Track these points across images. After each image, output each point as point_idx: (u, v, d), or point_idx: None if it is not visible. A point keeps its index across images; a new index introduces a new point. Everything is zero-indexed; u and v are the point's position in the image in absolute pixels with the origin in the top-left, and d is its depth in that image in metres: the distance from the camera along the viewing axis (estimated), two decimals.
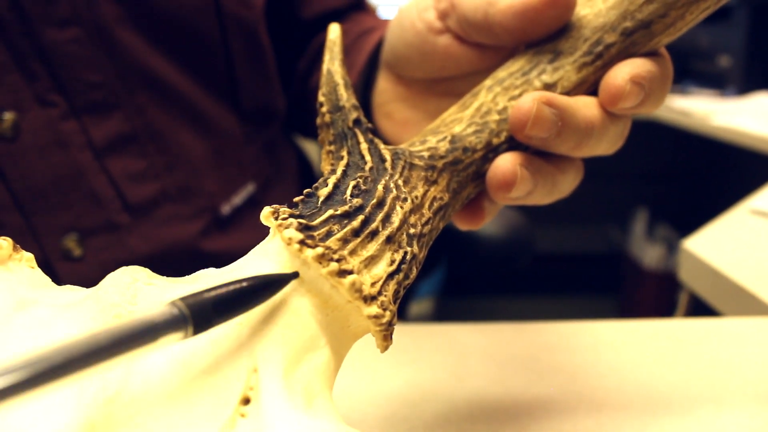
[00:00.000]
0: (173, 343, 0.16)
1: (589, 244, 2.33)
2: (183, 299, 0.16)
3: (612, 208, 2.25)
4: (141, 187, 0.47)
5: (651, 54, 0.30)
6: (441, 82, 0.37)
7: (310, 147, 0.83)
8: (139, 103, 0.46)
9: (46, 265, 0.45)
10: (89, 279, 0.46)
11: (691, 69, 1.89)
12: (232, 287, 0.17)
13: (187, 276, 0.20)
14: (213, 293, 0.17)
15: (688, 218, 1.76)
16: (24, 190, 0.43)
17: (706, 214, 0.92)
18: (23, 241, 0.44)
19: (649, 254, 2.01)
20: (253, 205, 0.54)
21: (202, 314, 0.16)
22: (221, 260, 0.55)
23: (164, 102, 0.48)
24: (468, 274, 2.07)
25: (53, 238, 0.45)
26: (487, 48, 0.34)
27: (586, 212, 2.20)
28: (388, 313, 0.21)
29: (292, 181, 0.61)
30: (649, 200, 2.19)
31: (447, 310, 1.90)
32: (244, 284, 0.18)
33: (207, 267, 0.54)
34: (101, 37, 0.44)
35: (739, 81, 1.71)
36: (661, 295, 1.97)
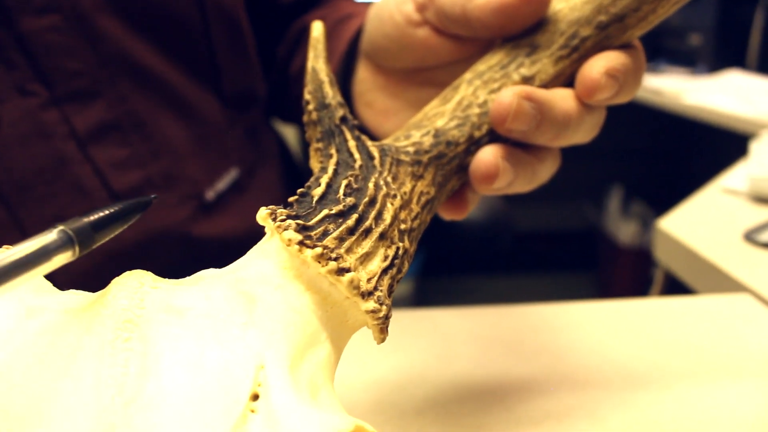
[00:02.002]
0: (64, 261, 0.19)
1: (566, 222, 2.36)
2: (65, 224, 0.19)
3: (587, 185, 2.28)
4: (126, 176, 0.47)
5: (625, 46, 0.31)
6: (420, 72, 0.38)
7: (288, 132, 0.83)
8: (121, 90, 0.46)
9: None
10: (76, 269, 0.46)
11: (663, 47, 1.91)
12: (106, 210, 0.21)
13: (188, 277, 0.21)
14: (91, 217, 0.20)
15: (662, 195, 1.80)
16: (7, 182, 0.43)
17: (679, 190, 0.94)
18: (9, 234, 0.44)
19: (623, 231, 2.05)
20: (237, 190, 0.55)
21: (84, 234, 0.19)
22: (209, 245, 0.56)
23: (146, 89, 0.48)
24: (447, 254, 2.09)
25: (39, 230, 0.45)
26: (466, 39, 0.35)
27: (562, 190, 2.22)
28: (384, 307, 0.22)
29: (275, 165, 0.61)
30: (623, 177, 2.22)
31: (427, 290, 1.92)
32: (115, 208, 0.21)
33: (195, 252, 0.54)
34: (81, 24, 0.44)
35: (710, 59, 1.74)
36: (637, 270, 2.01)
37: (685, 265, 0.61)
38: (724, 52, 1.73)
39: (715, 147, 1.84)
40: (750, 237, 0.60)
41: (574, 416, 0.33)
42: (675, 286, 0.67)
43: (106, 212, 0.20)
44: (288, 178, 0.62)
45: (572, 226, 2.36)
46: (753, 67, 1.70)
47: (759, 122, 1.23)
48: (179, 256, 0.49)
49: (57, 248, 0.18)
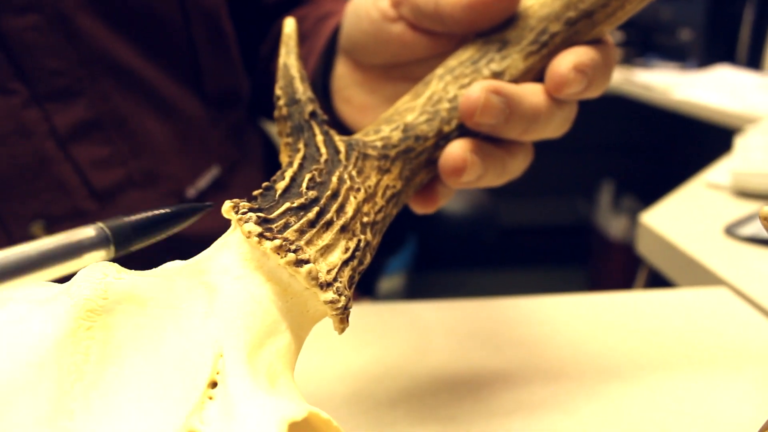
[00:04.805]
0: (97, 260, 0.18)
1: (557, 216, 2.37)
2: (105, 222, 0.18)
3: (578, 180, 2.29)
4: (106, 174, 0.48)
5: (594, 42, 0.31)
6: (397, 68, 0.39)
7: (274, 130, 0.83)
8: (102, 89, 0.47)
9: None
10: None
11: (653, 42, 1.92)
12: (151, 213, 0.20)
13: (153, 269, 0.22)
14: (133, 218, 0.19)
15: (653, 189, 1.80)
16: None
17: (669, 184, 0.95)
18: None
19: (614, 225, 2.06)
20: (219, 188, 0.55)
21: (122, 234, 0.18)
22: (189, 242, 0.57)
23: (127, 88, 0.48)
24: (437, 250, 2.10)
25: (20, 226, 0.45)
26: (440, 35, 0.35)
27: (553, 184, 2.23)
28: (343, 298, 0.22)
29: (258, 163, 0.62)
30: (614, 172, 2.23)
31: (417, 285, 1.92)
32: (162, 211, 0.20)
33: (174, 249, 0.55)
34: (62, 23, 0.44)
35: (700, 54, 1.75)
36: (628, 264, 2.02)
37: (666, 259, 0.61)
38: (714, 47, 1.74)
39: (707, 141, 1.85)
40: (730, 231, 0.60)
41: (547, 407, 0.34)
42: (658, 281, 0.68)
43: (150, 214, 0.19)
44: (271, 177, 0.63)
45: (564, 221, 2.38)
46: (743, 62, 1.71)
47: (748, 117, 1.24)
48: (159, 253, 0.50)
49: (91, 245, 0.17)
